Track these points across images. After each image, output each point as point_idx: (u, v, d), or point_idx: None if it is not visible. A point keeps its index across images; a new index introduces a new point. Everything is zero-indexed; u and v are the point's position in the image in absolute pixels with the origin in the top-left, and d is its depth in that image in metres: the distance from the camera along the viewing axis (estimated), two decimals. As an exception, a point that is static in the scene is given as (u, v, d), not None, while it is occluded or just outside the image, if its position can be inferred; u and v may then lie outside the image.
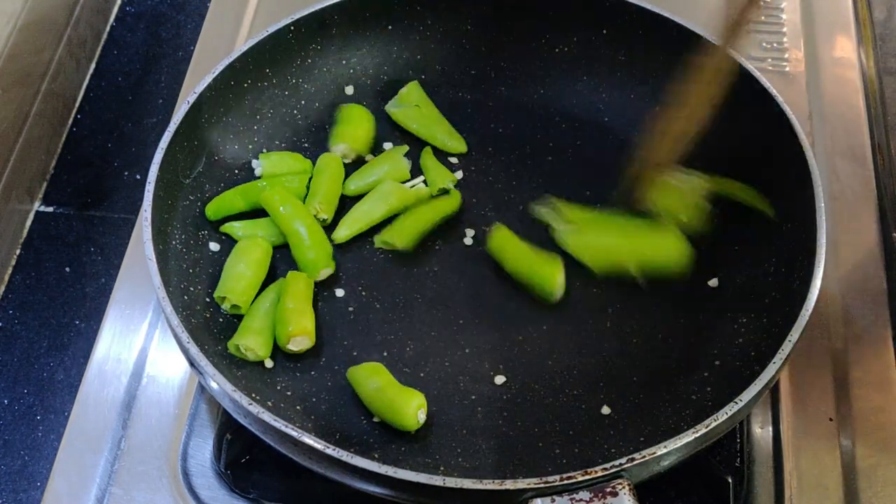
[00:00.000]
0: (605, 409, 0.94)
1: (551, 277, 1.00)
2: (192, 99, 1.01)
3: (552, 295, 1.00)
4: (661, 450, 0.81)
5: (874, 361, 1.01)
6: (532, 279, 1.01)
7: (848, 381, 1.00)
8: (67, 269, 1.24)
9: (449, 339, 0.99)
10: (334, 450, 0.81)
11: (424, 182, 1.08)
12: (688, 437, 0.82)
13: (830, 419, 0.98)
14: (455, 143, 1.11)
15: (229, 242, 1.02)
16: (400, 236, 1.04)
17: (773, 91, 1.01)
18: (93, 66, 1.41)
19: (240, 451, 0.95)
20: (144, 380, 1.01)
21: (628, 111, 1.12)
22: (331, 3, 1.08)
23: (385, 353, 0.98)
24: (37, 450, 1.11)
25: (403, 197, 1.05)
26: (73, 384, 1.14)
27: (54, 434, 1.12)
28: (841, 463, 0.96)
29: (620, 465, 0.80)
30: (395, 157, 1.09)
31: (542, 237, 1.04)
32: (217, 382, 0.85)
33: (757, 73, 1.02)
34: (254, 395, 0.91)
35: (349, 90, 1.13)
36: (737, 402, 0.84)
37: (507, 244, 1.03)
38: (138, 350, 1.03)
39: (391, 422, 0.92)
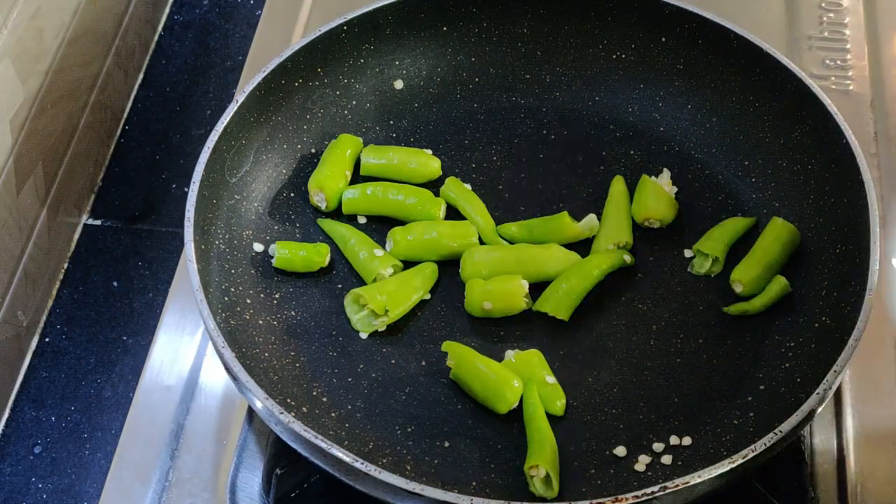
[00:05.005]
0: (647, 434, 0.93)
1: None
2: (241, 98, 1.00)
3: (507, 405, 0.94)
4: (694, 479, 0.79)
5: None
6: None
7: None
8: (115, 284, 1.22)
9: (489, 352, 0.97)
10: (362, 463, 0.80)
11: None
12: (723, 468, 0.80)
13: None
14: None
15: (273, 243, 1.02)
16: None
17: (834, 110, 0.98)
18: (140, 76, 1.40)
19: (290, 486, 0.93)
20: (193, 409, 1.00)
21: (685, 121, 1.09)
22: (385, 3, 1.07)
23: (423, 363, 0.97)
24: (84, 468, 1.10)
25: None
26: (120, 401, 1.13)
27: (101, 452, 1.10)
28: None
29: (652, 493, 0.79)
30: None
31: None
32: (250, 389, 0.85)
33: (818, 91, 0.99)
34: (289, 400, 0.91)
35: (398, 85, 1.12)
36: (776, 433, 0.82)
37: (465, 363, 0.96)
38: (186, 379, 1.02)
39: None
